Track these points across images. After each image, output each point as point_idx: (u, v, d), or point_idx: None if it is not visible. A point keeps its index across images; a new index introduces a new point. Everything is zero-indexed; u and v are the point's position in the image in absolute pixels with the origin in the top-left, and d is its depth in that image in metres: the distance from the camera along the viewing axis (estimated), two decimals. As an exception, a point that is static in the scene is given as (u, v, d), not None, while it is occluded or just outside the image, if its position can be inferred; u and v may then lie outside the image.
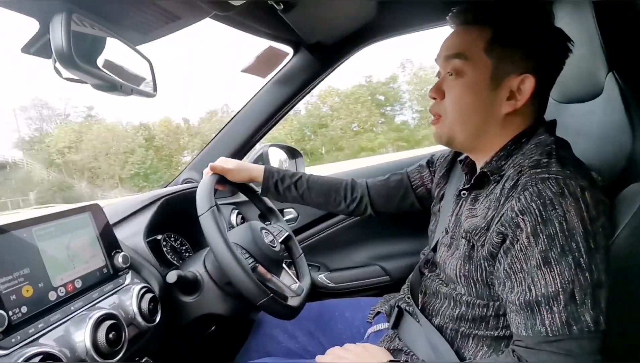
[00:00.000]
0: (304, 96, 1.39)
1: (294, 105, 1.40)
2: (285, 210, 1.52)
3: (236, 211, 1.40)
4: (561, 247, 0.58)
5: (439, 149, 1.22)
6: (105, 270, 0.79)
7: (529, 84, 0.70)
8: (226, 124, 1.45)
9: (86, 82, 0.66)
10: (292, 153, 1.66)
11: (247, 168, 1.09)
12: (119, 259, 0.82)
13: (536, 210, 0.60)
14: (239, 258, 0.83)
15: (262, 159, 1.52)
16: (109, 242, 0.82)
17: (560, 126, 0.81)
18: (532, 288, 0.60)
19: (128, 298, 0.78)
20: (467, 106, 0.74)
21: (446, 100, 0.76)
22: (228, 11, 0.79)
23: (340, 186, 1.10)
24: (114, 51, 0.72)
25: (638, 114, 0.71)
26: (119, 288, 0.80)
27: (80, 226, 0.77)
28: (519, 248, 0.61)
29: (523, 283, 0.61)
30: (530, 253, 0.60)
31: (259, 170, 1.09)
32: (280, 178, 1.09)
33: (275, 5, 0.90)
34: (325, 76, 1.36)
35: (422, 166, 1.06)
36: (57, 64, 0.62)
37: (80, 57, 0.57)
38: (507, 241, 0.63)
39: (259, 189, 1.14)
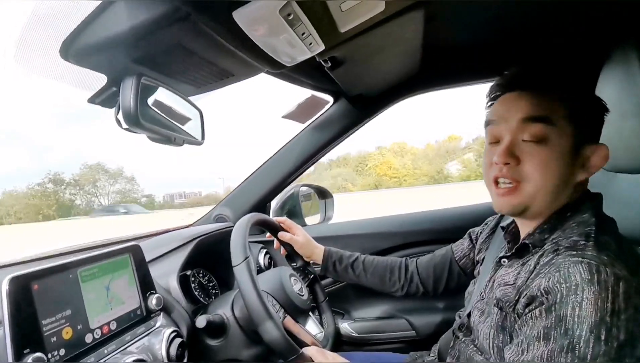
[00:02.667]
0: (340, 142, 1.41)
1: (330, 150, 1.42)
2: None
3: (264, 251, 1.41)
4: (565, 330, 0.56)
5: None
6: (139, 312, 0.81)
7: (603, 153, 0.69)
8: (262, 165, 1.47)
9: (145, 135, 0.70)
10: (323, 194, 1.67)
11: (311, 245, 1.19)
12: (152, 301, 0.83)
13: (559, 293, 0.58)
14: (272, 313, 0.84)
15: (293, 199, 1.54)
16: (145, 283, 0.84)
17: (607, 196, 0.78)
18: (524, 353, 0.60)
19: (158, 342, 0.79)
20: (553, 173, 0.69)
21: (526, 166, 0.70)
22: (280, 70, 0.83)
23: (395, 267, 1.16)
24: (169, 103, 0.76)
25: None
26: (150, 330, 0.81)
27: (121, 267, 0.79)
28: (530, 316, 0.61)
29: (519, 346, 0.61)
30: (537, 324, 0.60)
31: (319, 251, 1.19)
32: (338, 259, 1.18)
33: (323, 63, 0.93)
34: (363, 125, 1.38)
35: (464, 239, 1.10)
36: (120, 116, 0.67)
37: (143, 117, 0.60)
38: (527, 309, 0.63)
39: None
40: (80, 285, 0.70)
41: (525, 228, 0.77)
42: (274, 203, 1.51)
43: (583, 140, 0.69)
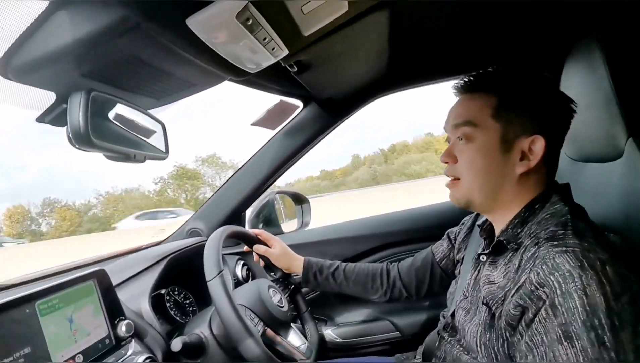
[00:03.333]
0: (313, 146, 1.39)
1: (303, 155, 1.39)
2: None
3: (241, 262, 1.37)
4: (582, 322, 0.54)
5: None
6: (107, 341, 0.76)
7: (539, 144, 0.71)
8: (234, 174, 1.44)
9: (100, 153, 0.65)
10: (299, 200, 1.64)
11: (290, 256, 1.16)
12: (122, 328, 0.78)
13: (555, 282, 0.58)
14: (250, 329, 0.81)
15: (268, 206, 1.51)
16: (113, 309, 0.79)
17: (577, 186, 0.79)
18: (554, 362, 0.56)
19: (130, 372, 0.74)
20: (481, 168, 0.74)
21: (460, 163, 0.77)
22: (243, 77, 0.80)
23: (376, 273, 1.14)
24: (127, 119, 0.71)
25: None
26: (121, 360, 0.76)
27: (84, 295, 0.74)
28: (538, 321, 0.59)
29: (545, 358, 0.58)
30: (550, 326, 0.57)
31: (298, 262, 1.15)
32: (318, 269, 1.15)
33: (289, 67, 0.90)
34: (335, 128, 1.36)
35: (443, 240, 1.10)
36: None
37: (95, 135, 0.56)
38: (530, 313, 0.61)
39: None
40: (39, 319, 0.65)
41: (498, 224, 0.79)
42: (249, 212, 1.48)
43: (515, 134, 0.72)
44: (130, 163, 0.69)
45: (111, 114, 0.68)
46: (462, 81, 0.78)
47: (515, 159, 0.72)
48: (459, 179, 0.78)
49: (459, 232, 1.04)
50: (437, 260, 1.09)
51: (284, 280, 1.18)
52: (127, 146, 0.67)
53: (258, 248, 1.14)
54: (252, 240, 1.15)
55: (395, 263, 1.16)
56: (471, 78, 0.77)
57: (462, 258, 0.95)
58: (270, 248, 1.15)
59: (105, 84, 0.63)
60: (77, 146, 0.56)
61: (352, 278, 1.14)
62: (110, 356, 0.75)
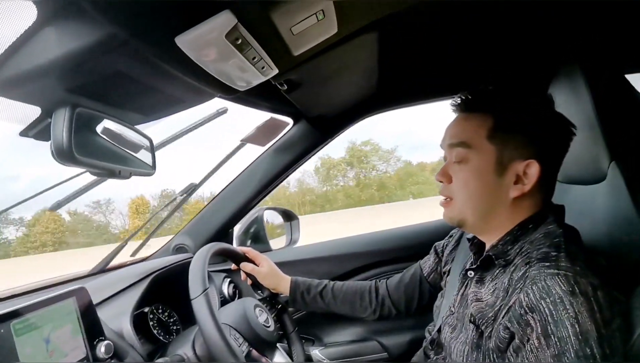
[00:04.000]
0: (302, 163, 1.39)
1: (292, 172, 1.39)
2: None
3: (228, 280, 1.34)
4: (575, 352, 0.55)
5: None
6: (85, 363, 0.73)
7: (534, 169, 0.70)
8: (223, 190, 1.42)
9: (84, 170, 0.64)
10: (288, 216, 1.63)
11: (277, 276, 1.13)
12: (101, 349, 0.76)
13: (546, 309, 0.58)
14: (234, 349, 0.79)
15: (257, 222, 1.49)
16: (92, 329, 0.76)
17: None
18: None
19: (108, 396, 0.71)
20: (474, 190, 0.74)
21: (454, 184, 0.77)
22: (233, 95, 0.80)
23: (364, 292, 1.13)
24: (114, 134, 0.71)
25: None
26: (99, 383, 0.73)
27: (63, 314, 0.72)
28: (529, 349, 0.58)
29: None
30: (542, 356, 0.57)
31: (286, 282, 1.13)
32: (305, 289, 1.12)
33: (279, 86, 0.91)
34: (325, 145, 1.37)
35: (430, 254, 1.09)
36: (55, 150, 0.61)
37: (79, 151, 0.55)
38: (517, 339, 0.61)
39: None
40: (14, 339, 0.62)
41: (488, 240, 0.78)
42: (237, 229, 1.46)
43: (510, 157, 0.72)
44: (115, 179, 0.68)
45: (98, 129, 0.67)
46: (459, 99, 0.78)
47: (509, 183, 0.72)
48: (452, 199, 0.78)
49: (446, 245, 1.03)
50: (425, 275, 1.08)
51: (271, 299, 1.16)
52: (112, 162, 0.66)
53: (245, 266, 1.13)
54: (239, 258, 1.14)
55: (383, 280, 1.15)
56: (469, 96, 0.77)
57: (449, 270, 0.95)
58: (257, 266, 1.13)
59: (91, 99, 0.62)
60: (61, 162, 0.55)
61: (340, 297, 1.12)
62: (88, 379, 0.72)
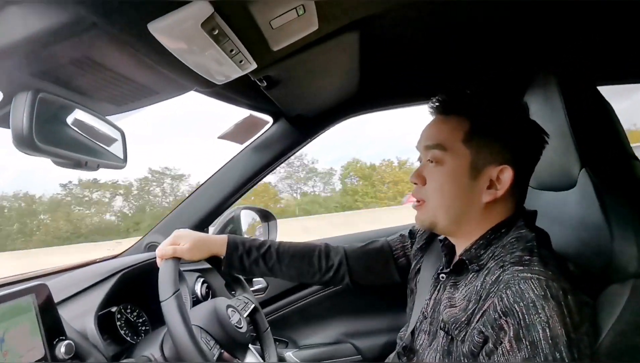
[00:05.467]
0: (281, 163, 1.37)
1: (270, 172, 1.38)
2: (254, 280, 1.44)
3: (201, 280, 1.31)
4: (545, 356, 0.56)
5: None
6: (43, 364, 0.69)
7: (507, 175, 0.71)
8: (198, 187, 1.39)
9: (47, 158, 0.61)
10: (265, 216, 1.61)
11: (205, 243, 0.95)
12: (61, 349, 0.72)
13: (519, 313, 0.58)
14: (204, 351, 0.77)
15: (233, 222, 1.46)
16: (52, 329, 0.72)
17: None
18: None
19: (66, 398, 0.68)
20: (448, 193, 0.74)
21: (428, 186, 0.77)
22: (210, 88, 0.78)
23: (313, 255, 1.01)
24: (83, 124, 0.68)
25: (615, 216, 0.72)
26: (57, 385, 0.70)
27: (20, 312, 0.68)
28: (501, 352, 0.59)
29: None
30: (512, 359, 0.58)
31: (221, 244, 0.96)
32: (246, 251, 0.97)
33: (258, 82, 0.89)
34: (304, 145, 1.36)
35: (403, 236, 1.04)
36: (17, 137, 0.58)
37: (41, 139, 0.52)
38: (490, 343, 0.61)
39: None
40: (-36, 338, 0.58)
41: (460, 245, 0.79)
42: (213, 229, 1.43)
43: (484, 162, 0.73)
44: (82, 170, 0.65)
45: (64, 118, 0.64)
46: (437, 101, 0.78)
47: (482, 187, 0.73)
48: (425, 201, 0.78)
49: (418, 237, 1.00)
50: (395, 256, 1.03)
51: (245, 299, 1.13)
52: (78, 152, 0.63)
53: (165, 253, 0.90)
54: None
55: (340, 245, 1.04)
56: (446, 98, 0.77)
57: (419, 269, 0.93)
58: (178, 246, 0.91)
59: (57, 85, 0.59)
60: (20, 149, 0.52)
61: (286, 260, 0.99)
62: (45, 380, 0.68)
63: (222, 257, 0.97)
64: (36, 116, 0.51)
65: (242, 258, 0.97)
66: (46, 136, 0.54)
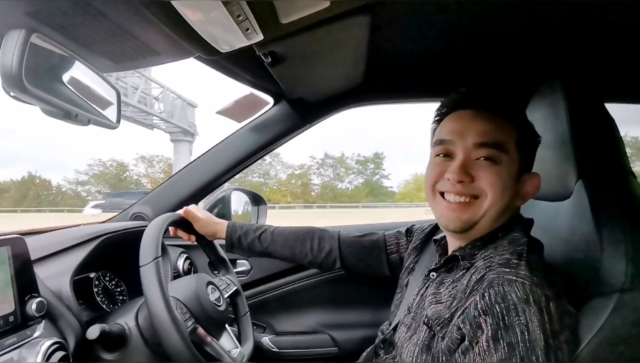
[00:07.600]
0: (278, 146, 1.35)
1: (266, 154, 1.35)
2: (238, 261, 1.43)
3: (184, 256, 1.29)
4: (521, 358, 0.55)
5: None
6: (11, 318, 0.67)
7: (537, 181, 0.75)
8: (191, 162, 1.37)
9: (36, 105, 0.58)
10: (256, 200, 1.59)
11: (214, 222, 1.09)
12: (32, 306, 0.69)
13: (499, 313, 0.58)
14: (178, 321, 0.75)
15: (223, 202, 1.44)
16: (25, 284, 0.70)
17: None
18: None
19: (32, 356, 0.66)
20: (503, 191, 0.71)
21: (482, 183, 0.71)
22: (213, 56, 0.76)
23: (306, 237, 1.07)
24: (76, 76, 0.65)
25: (607, 230, 0.71)
26: (24, 341, 0.67)
27: (-7, 263, 0.66)
28: (477, 351, 0.59)
29: None
30: (488, 359, 0.57)
31: (222, 227, 1.09)
32: (243, 233, 1.07)
33: (262, 57, 0.87)
34: (303, 131, 1.34)
35: (400, 233, 1.04)
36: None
37: (31, 81, 0.50)
38: (467, 341, 0.61)
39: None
40: None
41: (456, 243, 0.78)
42: (202, 205, 1.40)
43: (524, 168, 0.75)
44: (71, 122, 0.63)
45: (58, 66, 0.62)
46: (482, 96, 0.76)
47: (519, 191, 0.74)
48: (477, 197, 0.72)
49: (415, 236, 1.00)
50: (387, 251, 1.04)
51: (227, 279, 1.11)
52: (69, 103, 0.61)
53: (188, 212, 1.08)
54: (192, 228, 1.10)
55: (335, 229, 1.10)
56: (493, 93, 0.77)
57: (413, 268, 0.93)
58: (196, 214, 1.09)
59: (54, 30, 0.57)
60: (8, 89, 0.50)
61: (280, 241, 1.07)
62: (12, 335, 0.66)
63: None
64: (27, 56, 0.48)
65: (240, 238, 1.08)
66: (37, 80, 0.51)
